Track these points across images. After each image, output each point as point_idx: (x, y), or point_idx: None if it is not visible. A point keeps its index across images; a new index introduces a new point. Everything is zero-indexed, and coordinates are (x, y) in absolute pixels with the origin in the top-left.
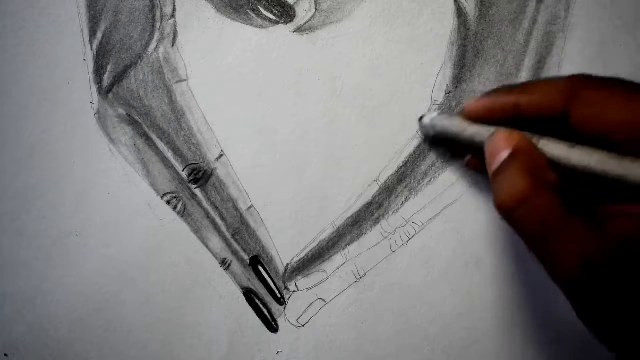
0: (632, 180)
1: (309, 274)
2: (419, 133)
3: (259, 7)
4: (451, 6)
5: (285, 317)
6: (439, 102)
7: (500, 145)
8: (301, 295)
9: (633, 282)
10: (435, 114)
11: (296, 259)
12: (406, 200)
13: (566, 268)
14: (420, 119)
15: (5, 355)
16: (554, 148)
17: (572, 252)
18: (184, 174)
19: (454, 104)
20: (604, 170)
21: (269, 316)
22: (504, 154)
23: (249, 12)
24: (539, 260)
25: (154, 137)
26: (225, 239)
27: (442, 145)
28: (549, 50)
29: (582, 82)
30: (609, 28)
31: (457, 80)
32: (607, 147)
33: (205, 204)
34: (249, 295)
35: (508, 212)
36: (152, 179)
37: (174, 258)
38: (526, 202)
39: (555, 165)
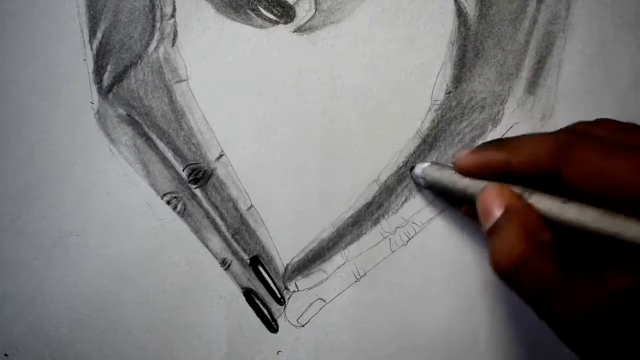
0: (626, 238)
1: (309, 274)
2: (412, 180)
3: (259, 7)
4: (451, 6)
5: (285, 317)
6: (439, 102)
7: (492, 202)
8: (301, 295)
9: (633, 335)
10: (426, 164)
11: (296, 259)
12: (406, 200)
13: (566, 325)
14: (412, 168)
15: (5, 355)
16: (546, 204)
17: (572, 309)
18: (184, 174)
19: (454, 103)
20: (598, 227)
21: (269, 316)
22: (497, 213)
23: (249, 12)
24: (538, 316)
25: (154, 137)
26: (225, 239)
27: (435, 193)
28: (549, 50)
29: (573, 140)
30: (610, 27)
31: (457, 80)
32: (604, 205)
33: (205, 204)
34: (249, 295)
35: (505, 274)
36: (152, 179)
37: (174, 258)
38: (523, 264)
39: (548, 220)
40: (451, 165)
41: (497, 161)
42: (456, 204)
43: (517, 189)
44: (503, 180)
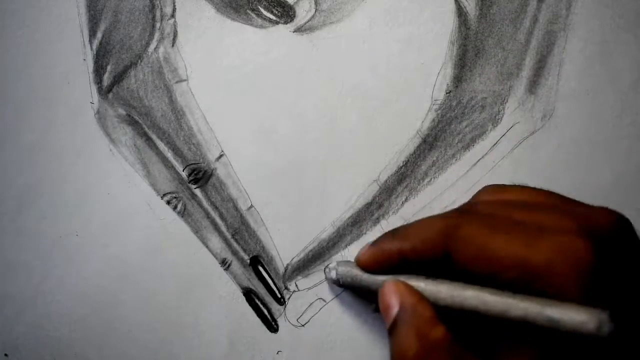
0: (514, 315)
1: (309, 274)
2: (327, 281)
3: (259, 7)
4: (451, 5)
5: (286, 317)
6: (439, 102)
7: (389, 300)
8: (301, 295)
9: None
10: (335, 262)
11: (296, 259)
12: (406, 200)
13: None
14: (325, 268)
15: (6, 355)
16: (438, 290)
17: None
18: (184, 174)
19: (454, 103)
20: (487, 308)
21: (269, 316)
22: (394, 311)
23: (249, 12)
24: None
25: (154, 137)
26: (225, 239)
27: (352, 291)
28: (549, 50)
29: (459, 220)
30: (611, 27)
31: (458, 79)
32: (499, 285)
33: (205, 204)
34: (249, 295)
35: None
36: (152, 179)
37: (174, 258)
38: None
39: (446, 309)
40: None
41: (391, 251)
42: (372, 301)
43: (419, 279)
44: (407, 270)
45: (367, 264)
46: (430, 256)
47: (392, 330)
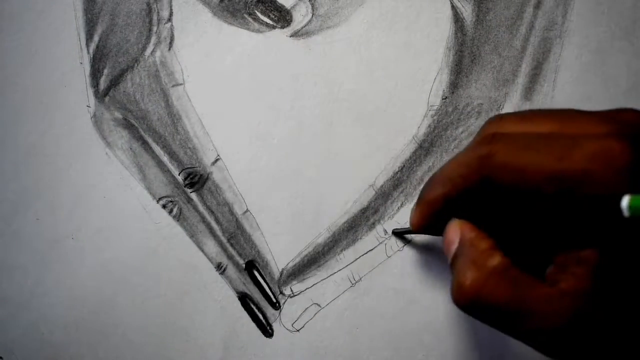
0: None
1: (304, 279)
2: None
3: (256, 11)
4: (448, 11)
5: (281, 322)
6: (435, 108)
7: (450, 237)
8: (296, 300)
9: (607, 330)
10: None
11: (291, 264)
12: (402, 205)
13: (533, 340)
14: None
15: (1, 358)
16: None
17: (538, 323)
18: (180, 178)
19: (450, 109)
20: None
21: (264, 321)
22: (454, 247)
23: (246, 16)
24: (511, 336)
25: (150, 140)
26: (220, 243)
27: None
28: (545, 56)
29: (490, 147)
30: (606, 34)
31: (454, 85)
32: (543, 201)
33: (201, 208)
34: (244, 299)
35: (464, 307)
36: (148, 183)
37: (169, 262)
38: (477, 294)
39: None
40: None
41: (437, 199)
42: None
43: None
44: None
45: (423, 224)
46: (471, 189)
47: (452, 265)
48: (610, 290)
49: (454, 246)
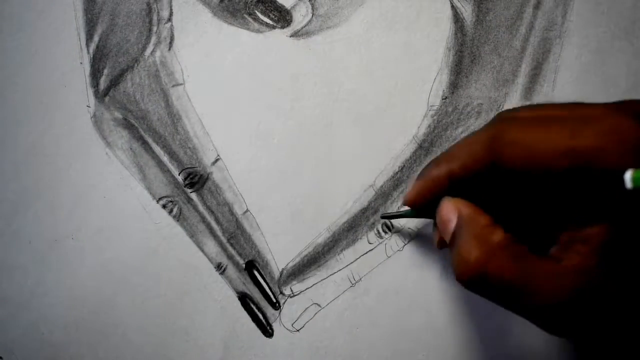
0: None
1: (304, 279)
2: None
3: (256, 11)
4: (448, 12)
5: (280, 322)
6: (435, 108)
7: (446, 215)
8: (296, 300)
9: (611, 306)
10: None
11: (291, 264)
12: (402, 205)
13: (537, 317)
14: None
15: (1, 358)
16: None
17: (540, 300)
18: (180, 178)
19: (450, 109)
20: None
21: (264, 321)
22: (452, 225)
23: (246, 16)
24: (515, 312)
25: (150, 140)
26: (220, 243)
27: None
28: (545, 57)
29: (501, 126)
30: (606, 34)
31: (454, 86)
32: (552, 181)
33: (200, 208)
34: (244, 299)
35: (468, 284)
36: (148, 183)
37: (169, 262)
38: (482, 270)
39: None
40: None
41: (440, 176)
42: None
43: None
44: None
45: (420, 202)
46: (479, 169)
47: (452, 243)
48: (615, 267)
49: (452, 224)
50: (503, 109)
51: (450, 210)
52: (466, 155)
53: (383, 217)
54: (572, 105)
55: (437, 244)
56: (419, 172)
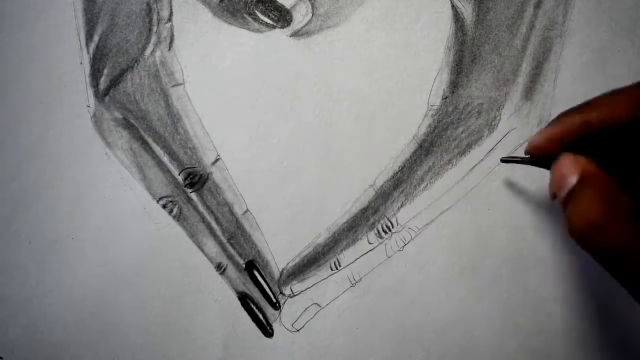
0: None
1: (304, 279)
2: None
3: (256, 11)
4: (448, 11)
5: (281, 322)
6: (435, 107)
7: (566, 171)
8: (296, 300)
9: None
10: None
11: (291, 264)
12: (402, 205)
13: None
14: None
15: (1, 357)
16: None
17: None
18: (180, 178)
19: (450, 109)
20: None
21: (264, 321)
22: (572, 180)
23: (246, 16)
24: (613, 276)
25: (150, 141)
26: (220, 243)
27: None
28: (546, 56)
29: None
30: (607, 33)
31: (454, 85)
32: None
33: (200, 208)
34: (244, 299)
35: (583, 240)
36: (148, 183)
37: (169, 262)
38: (602, 229)
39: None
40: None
41: (574, 124)
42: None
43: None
44: (586, 147)
45: (542, 147)
46: (619, 125)
47: (569, 199)
48: None
49: (572, 178)
50: (504, 109)
51: (570, 167)
52: (608, 106)
53: (503, 161)
54: None
55: (551, 196)
56: (555, 117)
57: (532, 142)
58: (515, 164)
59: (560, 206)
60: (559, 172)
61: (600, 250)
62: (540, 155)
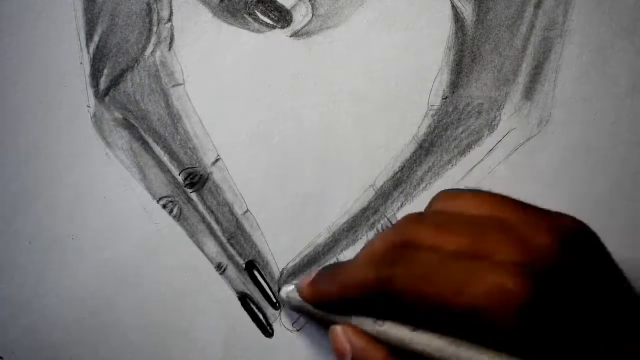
0: None
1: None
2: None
3: (256, 11)
4: (448, 11)
5: (281, 322)
6: (435, 107)
7: (340, 345)
8: None
9: None
10: (291, 287)
11: (292, 264)
12: (402, 205)
13: None
14: (279, 290)
15: (1, 358)
16: (395, 332)
17: None
18: (180, 178)
19: (450, 109)
20: (442, 357)
21: (264, 321)
22: (349, 358)
23: (246, 16)
24: None
25: (150, 141)
26: (220, 243)
27: (305, 316)
28: (546, 56)
29: (390, 271)
30: (608, 33)
31: (454, 85)
32: (443, 324)
33: (201, 208)
34: (244, 299)
35: None
36: (148, 183)
37: (169, 262)
38: None
39: (399, 350)
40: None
41: (331, 293)
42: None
43: (368, 321)
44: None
45: (311, 300)
46: (373, 291)
47: None
48: None
49: (348, 356)
50: (504, 109)
51: (344, 341)
52: (357, 285)
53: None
54: (482, 229)
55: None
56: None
57: (301, 288)
58: None
59: None
60: (335, 346)
61: None
62: (313, 303)
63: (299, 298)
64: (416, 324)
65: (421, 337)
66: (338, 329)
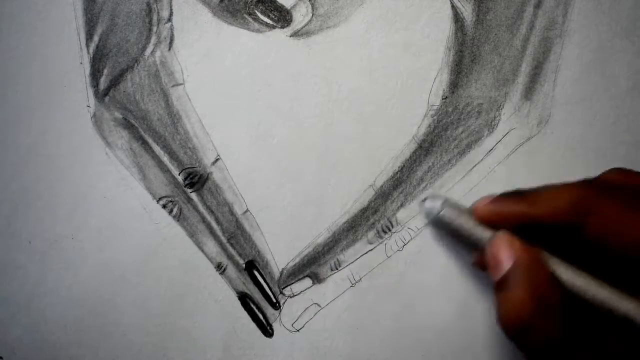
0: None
1: (304, 279)
2: (422, 212)
3: (256, 11)
4: (448, 11)
5: (281, 322)
6: (435, 107)
7: (501, 253)
8: (296, 300)
9: None
10: (439, 202)
11: (291, 264)
12: (402, 205)
13: None
14: (424, 200)
15: (1, 358)
16: (559, 269)
17: None
18: (180, 178)
19: (450, 109)
20: (610, 306)
21: (264, 321)
22: (506, 265)
23: (246, 16)
24: None
25: (150, 140)
26: (220, 243)
27: (442, 231)
28: (546, 56)
29: (596, 192)
30: (607, 33)
31: (454, 85)
32: (623, 261)
33: (200, 208)
34: (244, 299)
35: (512, 334)
36: (148, 183)
37: (169, 262)
38: (531, 326)
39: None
40: (465, 208)
41: (515, 212)
42: (466, 248)
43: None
44: (522, 233)
45: (486, 217)
46: (557, 225)
47: (501, 285)
48: None
49: (505, 264)
50: (503, 109)
51: (506, 249)
52: (550, 206)
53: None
54: None
55: (474, 264)
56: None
57: (478, 207)
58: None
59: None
60: (493, 253)
61: (528, 347)
62: (482, 221)
63: (454, 212)
64: (592, 271)
65: (588, 282)
66: (502, 235)
